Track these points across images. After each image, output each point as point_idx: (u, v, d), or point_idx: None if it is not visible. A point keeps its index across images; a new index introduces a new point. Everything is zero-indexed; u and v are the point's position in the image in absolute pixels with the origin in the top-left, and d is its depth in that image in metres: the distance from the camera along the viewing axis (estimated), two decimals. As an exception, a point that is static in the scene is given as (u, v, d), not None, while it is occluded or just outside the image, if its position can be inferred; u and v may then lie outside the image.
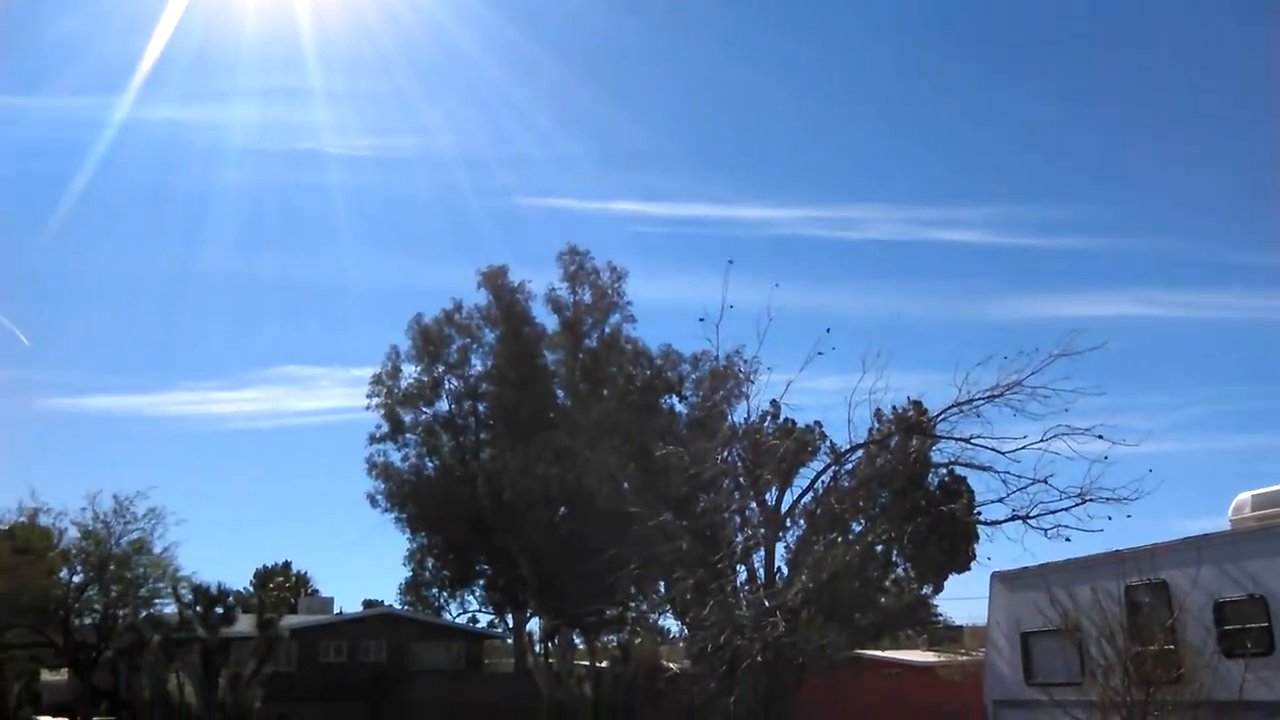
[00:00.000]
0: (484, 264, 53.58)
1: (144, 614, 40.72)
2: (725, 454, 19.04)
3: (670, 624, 51.90)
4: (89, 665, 40.80)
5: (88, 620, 41.84)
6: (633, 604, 41.30)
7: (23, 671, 43.22)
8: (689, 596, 16.82)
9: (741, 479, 18.84)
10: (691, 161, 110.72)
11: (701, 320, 16.31)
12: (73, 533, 40.75)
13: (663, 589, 22.58)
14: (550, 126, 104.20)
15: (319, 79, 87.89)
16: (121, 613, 41.23)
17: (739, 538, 18.90)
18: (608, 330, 51.19)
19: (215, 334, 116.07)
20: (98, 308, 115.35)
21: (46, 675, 46.72)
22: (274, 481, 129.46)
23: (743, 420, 18.51)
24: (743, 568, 18.46)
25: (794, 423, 19.72)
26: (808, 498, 17.67)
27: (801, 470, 18.69)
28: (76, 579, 41.07)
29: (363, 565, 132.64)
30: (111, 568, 40.52)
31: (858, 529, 18.79)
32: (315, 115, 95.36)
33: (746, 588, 17.38)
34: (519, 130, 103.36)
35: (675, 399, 38.02)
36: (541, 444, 42.59)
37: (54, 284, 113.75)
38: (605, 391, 46.22)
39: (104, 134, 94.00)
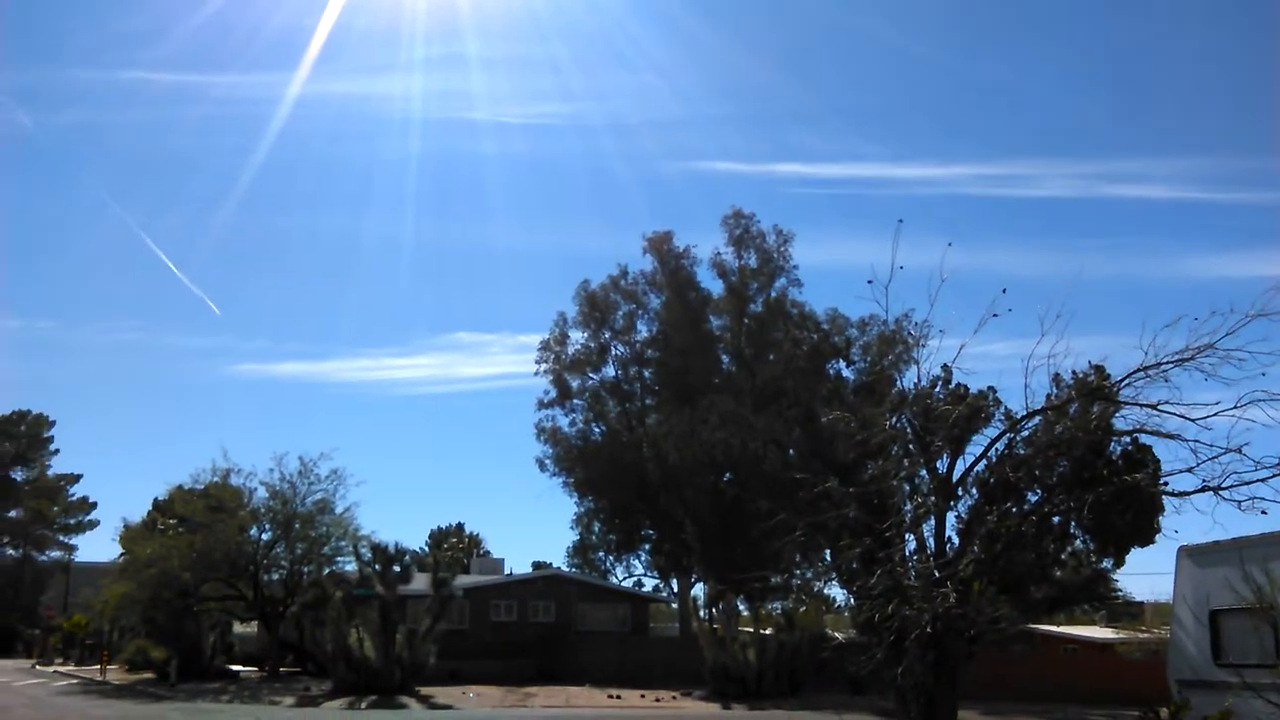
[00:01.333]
0: (649, 229, 53.86)
1: (327, 571, 42.64)
2: (894, 420, 18.44)
3: (835, 592, 51.47)
4: (276, 618, 42.92)
5: (275, 576, 44.05)
6: (797, 571, 41.03)
7: (217, 623, 45.70)
8: (855, 565, 16.35)
9: (911, 446, 18.22)
10: (853, 122, 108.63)
11: (870, 282, 15.73)
12: (261, 493, 42.95)
13: (828, 557, 22.12)
14: (709, 91, 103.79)
15: (486, 47, 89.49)
16: (306, 569, 43.25)
17: (908, 506, 18.30)
18: (773, 294, 50.78)
19: (391, 302, 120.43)
20: (280, 277, 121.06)
21: (238, 627, 49.32)
22: (446, 445, 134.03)
23: (912, 385, 17.85)
24: (911, 536, 17.88)
25: (966, 388, 18.93)
26: (980, 466, 16.92)
27: (975, 437, 17.91)
28: (265, 536, 43.31)
29: (532, 527, 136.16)
30: (297, 526, 42.52)
31: (1034, 499, 17.94)
32: (478, 83, 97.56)
33: (915, 557, 16.82)
34: (679, 95, 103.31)
35: (842, 363, 37.27)
36: (707, 409, 42.53)
37: (239, 255, 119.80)
38: (771, 356, 45.79)
39: (279, 109, 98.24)
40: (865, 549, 16.81)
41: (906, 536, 17.63)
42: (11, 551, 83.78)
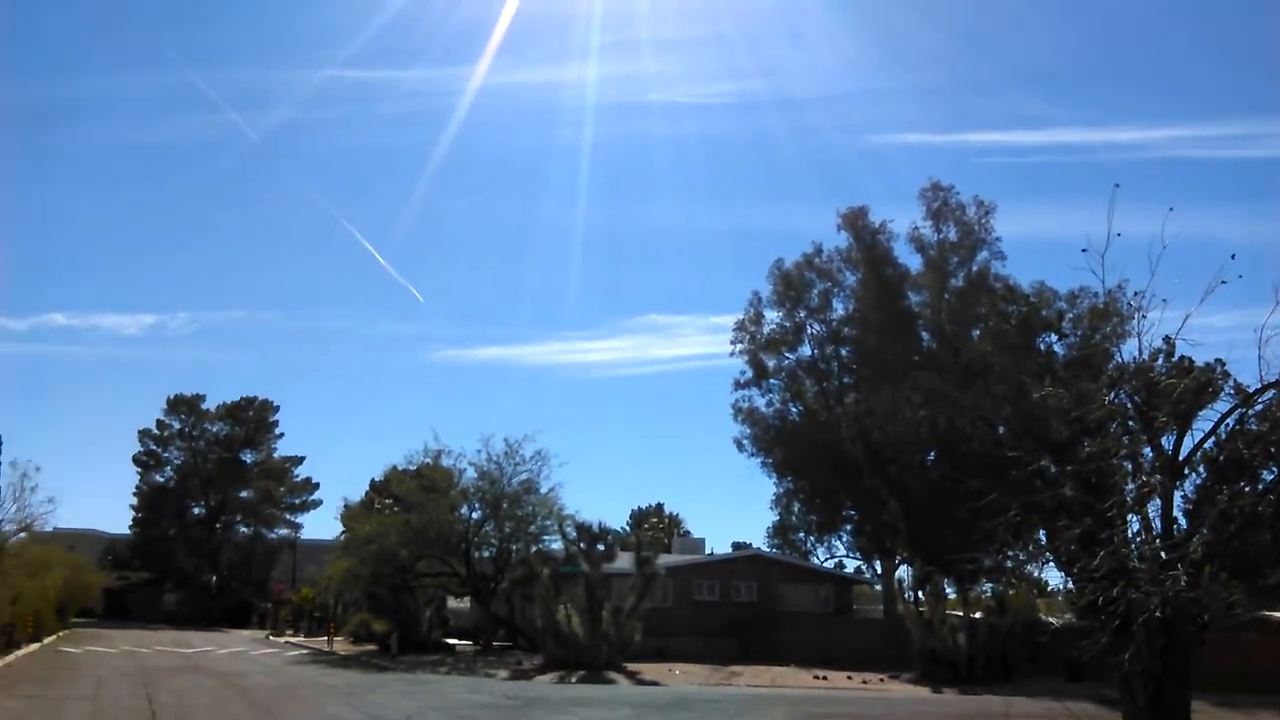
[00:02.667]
0: (843, 205, 53.10)
1: (534, 549, 43.91)
2: (1112, 395, 17.60)
3: (1050, 576, 49.62)
4: (488, 594, 44.49)
5: (485, 553, 45.67)
6: (1010, 553, 39.79)
7: (432, 598, 47.79)
8: (1073, 546, 15.72)
9: (1131, 422, 17.34)
10: (1041, 88, 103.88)
11: (1084, 251, 15.00)
12: (470, 473, 44.63)
13: (1043, 538, 21.36)
14: (884, 62, 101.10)
15: (664, 29, 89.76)
16: (514, 547, 44.69)
17: (1130, 485, 17.44)
18: (974, 268, 49.34)
19: (582, 286, 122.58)
20: (472, 265, 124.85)
21: (452, 602, 51.41)
22: (643, 426, 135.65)
23: (1132, 359, 16.96)
24: (1134, 517, 17.05)
25: (1191, 361, 17.90)
26: (1210, 443, 15.96)
27: (1202, 413, 16.91)
28: (475, 515, 44.96)
29: (732, 508, 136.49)
30: (505, 506, 43.97)
31: (1269, 477, 16.83)
32: (654, 66, 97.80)
33: (1140, 538, 16.05)
34: (851, 68, 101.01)
35: (1054, 336, 35.85)
36: (910, 386, 41.67)
37: (432, 244, 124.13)
38: (975, 332, 44.49)
39: (462, 100, 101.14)
40: (1085, 530, 16.14)
41: (1129, 517, 16.87)
42: (244, 529, 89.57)
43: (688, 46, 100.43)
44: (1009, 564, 42.20)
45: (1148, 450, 17.03)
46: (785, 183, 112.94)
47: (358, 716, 19.15)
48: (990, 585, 44.05)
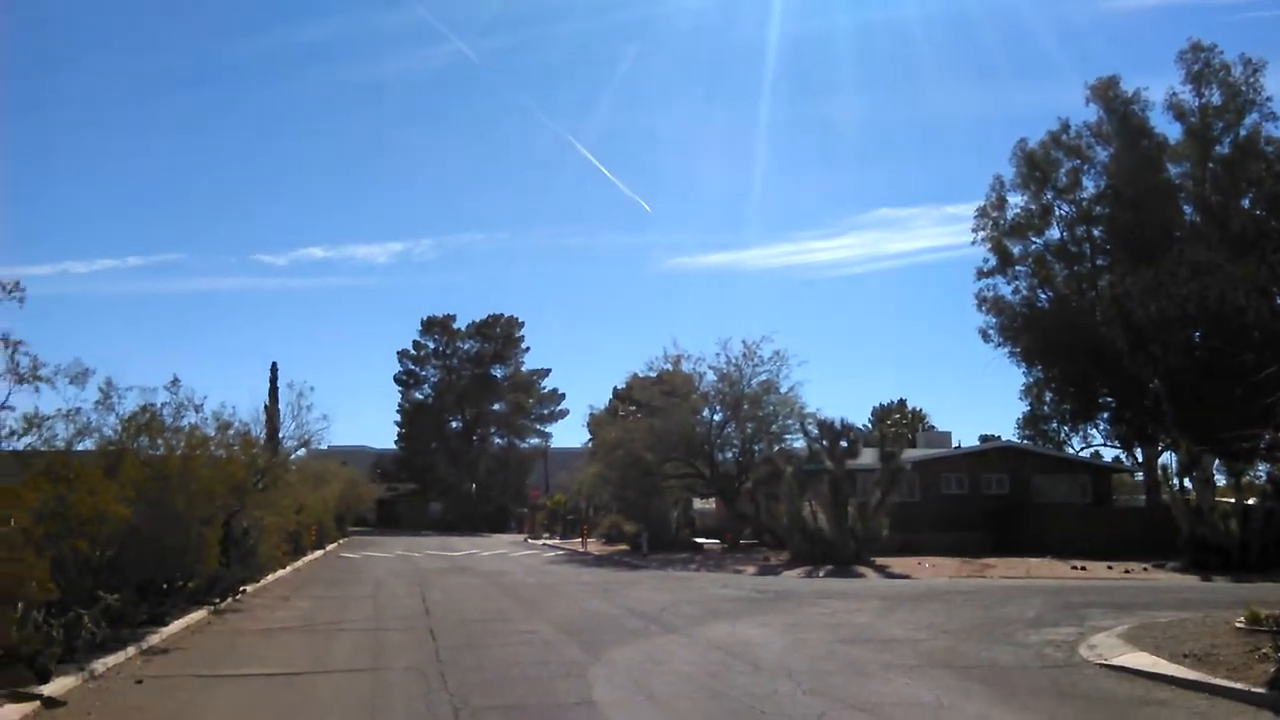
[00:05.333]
0: (1090, 78, 49.73)
1: (777, 448, 43.96)
2: None
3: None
4: (733, 494, 45.02)
5: (728, 454, 46.11)
6: (1290, 432, 36.95)
7: (679, 499, 48.78)
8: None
9: None
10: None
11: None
12: (710, 376, 44.98)
13: (1329, 413, 19.65)
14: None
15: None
16: (757, 447, 44.91)
17: None
18: (1243, 133, 45.45)
19: (809, 185, 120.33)
20: (698, 172, 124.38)
21: (698, 503, 52.38)
22: (880, 322, 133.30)
23: None
24: None
25: None
26: None
27: None
28: (716, 417, 45.38)
29: (978, 400, 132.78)
30: (745, 407, 44.16)
31: None
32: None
33: None
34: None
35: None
36: (1175, 260, 38.94)
37: (658, 155, 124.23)
38: (1245, 201, 41.09)
39: (664, 7, 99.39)
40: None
41: None
42: (499, 440, 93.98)
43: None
44: (1289, 443, 39.31)
45: None
46: (1020, 62, 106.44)
47: (616, 610, 19.72)
48: (1266, 468, 41.15)
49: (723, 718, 9.82)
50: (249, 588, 23.23)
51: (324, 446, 42.12)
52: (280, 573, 29.44)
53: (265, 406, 35.42)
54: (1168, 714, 9.96)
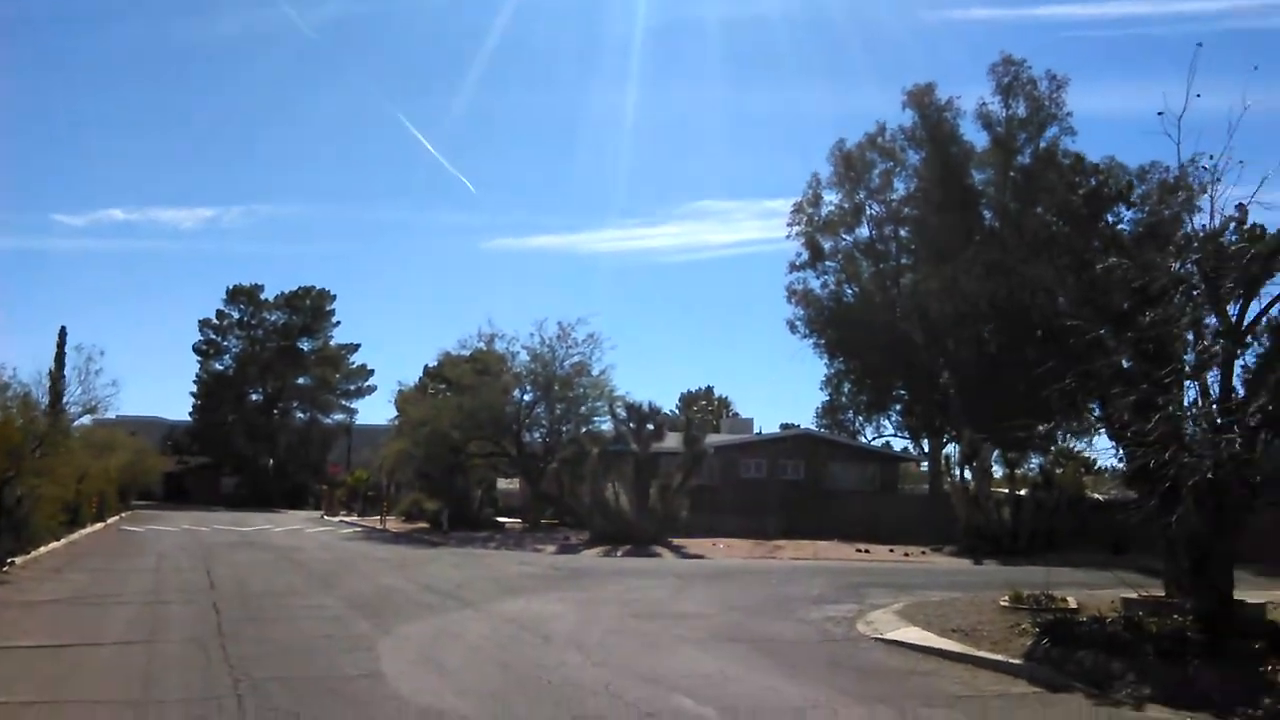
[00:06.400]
0: (908, 85, 51.56)
1: (584, 430, 44.12)
2: (1179, 264, 16.97)
3: (1099, 453, 49.20)
4: (537, 474, 44.97)
5: (536, 435, 46.08)
6: (1062, 424, 39.43)
7: (483, 478, 48.50)
8: (1127, 414, 15.34)
9: (1196, 291, 16.73)
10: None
11: (1160, 114, 14.26)
12: (523, 356, 44.77)
13: (1097, 410, 20.98)
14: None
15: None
16: (565, 428, 44.99)
17: (1189, 354, 16.91)
18: (1043, 145, 48.05)
19: (636, 173, 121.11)
20: (524, 155, 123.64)
21: (502, 483, 52.16)
22: (695, 311, 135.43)
23: (1202, 227, 16.29)
24: (1192, 385, 16.56)
25: (1264, 229, 17.19)
26: (1275, 309, 15.38)
27: (1270, 281, 16.30)
28: (527, 398, 45.21)
29: (780, 390, 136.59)
30: (556, 388, 44.13)
31: (1334, 347, 16.20)
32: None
33: (1196, 405, 15.62)
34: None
35: (1124, 208, 34.79)
36: (970, 259, 40.97)
37: (488, 133, 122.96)
38: (1039, 208, 43.54)
39: None
40: (1141, 396, 15.76)
41: (1186, 385, 16.45)
42: (301, 415, 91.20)
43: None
44: (1064, 432, 41.91)
45: (1210, 319, 16.50)
46: (843, 65, 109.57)
47: (410, 586, 19.42)
48: (1038, 461, 43.85)
49: (510, 687, 9.76)
50: (18, 559, 21.78)
51: (112, 415, 40.04)
52: (54, 544, 27.61)
53: (50, 371, 33.33)
54: (935, 683, 10.49)
